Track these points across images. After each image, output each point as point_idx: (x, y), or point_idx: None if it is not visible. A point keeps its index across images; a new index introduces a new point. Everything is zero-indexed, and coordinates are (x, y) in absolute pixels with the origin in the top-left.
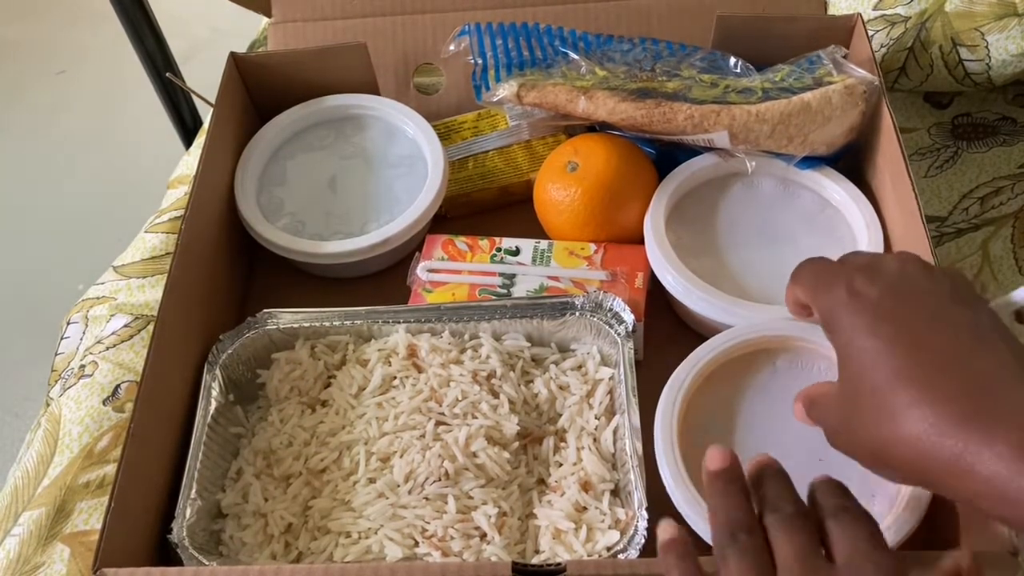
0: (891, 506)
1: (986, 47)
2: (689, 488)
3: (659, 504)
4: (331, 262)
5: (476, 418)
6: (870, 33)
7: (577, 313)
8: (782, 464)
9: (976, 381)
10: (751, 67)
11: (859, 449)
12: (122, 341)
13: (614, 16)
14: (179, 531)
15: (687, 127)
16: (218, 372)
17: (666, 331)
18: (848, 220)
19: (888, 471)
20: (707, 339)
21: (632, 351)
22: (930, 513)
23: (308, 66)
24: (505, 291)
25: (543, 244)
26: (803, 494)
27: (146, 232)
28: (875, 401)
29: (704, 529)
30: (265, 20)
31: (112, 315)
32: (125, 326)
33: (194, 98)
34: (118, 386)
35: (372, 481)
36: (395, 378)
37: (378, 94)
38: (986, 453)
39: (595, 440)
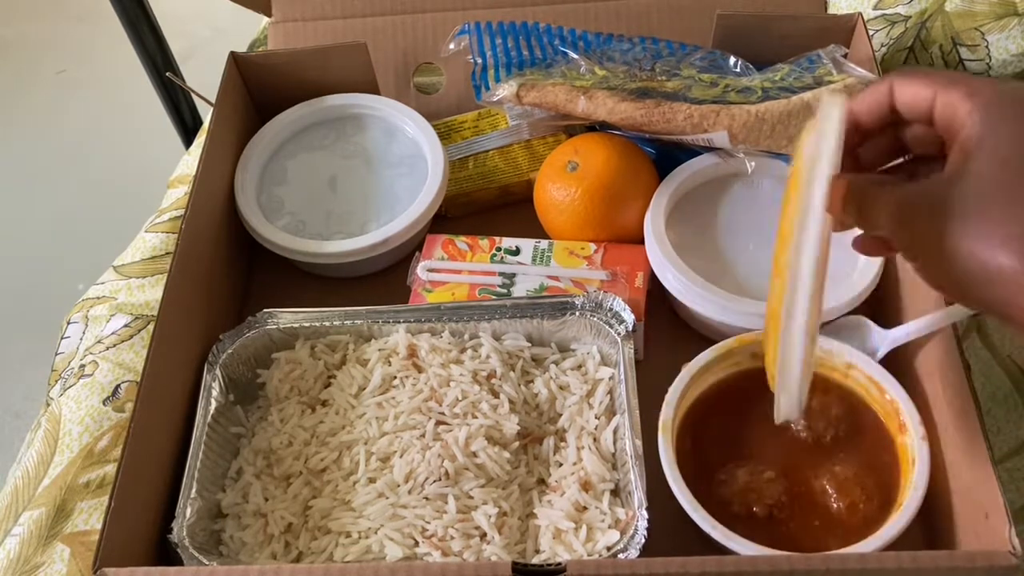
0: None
1: (986, 47)
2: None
3: (659, 504)
4: (331, 262)
5: (476, 418)
6: (870, 32)
7: (577, 313)
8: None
9: None
10: (751, 66)
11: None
12: (122, 341)
13: (614, 15)
14: (179, 531)
15: (687, 127)
16: (218, 372)
17: (666, 331)
18: None
19: (957, 286)
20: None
21: (632, 351)
22: (931, 512)
23: (308, 66)
24: (505, 291)
25: (543, 244)
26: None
27: (146, 232)
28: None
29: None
30: (265, 20)
31: (112, 315)
32: (125, 326)
33: (194, 98)
34: (118, 386)
35: (372, 481)
36: (395, 378)
37: (378, 94)
38: None
39: (595, 440)
